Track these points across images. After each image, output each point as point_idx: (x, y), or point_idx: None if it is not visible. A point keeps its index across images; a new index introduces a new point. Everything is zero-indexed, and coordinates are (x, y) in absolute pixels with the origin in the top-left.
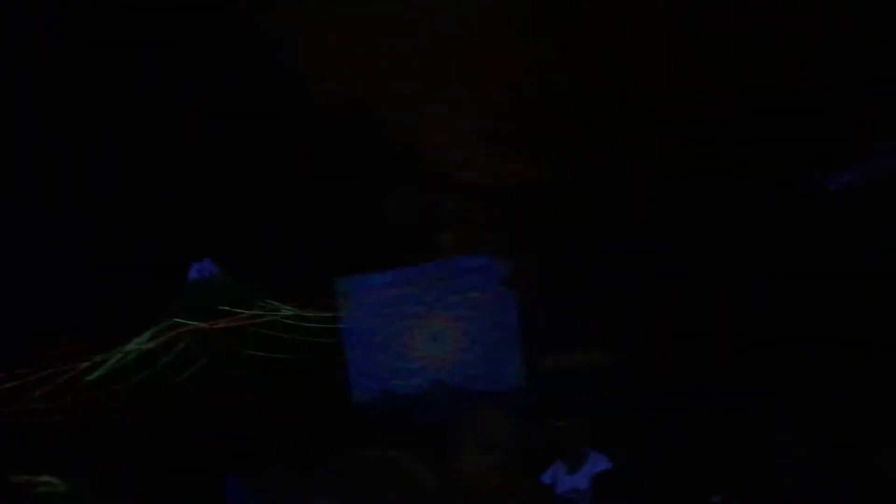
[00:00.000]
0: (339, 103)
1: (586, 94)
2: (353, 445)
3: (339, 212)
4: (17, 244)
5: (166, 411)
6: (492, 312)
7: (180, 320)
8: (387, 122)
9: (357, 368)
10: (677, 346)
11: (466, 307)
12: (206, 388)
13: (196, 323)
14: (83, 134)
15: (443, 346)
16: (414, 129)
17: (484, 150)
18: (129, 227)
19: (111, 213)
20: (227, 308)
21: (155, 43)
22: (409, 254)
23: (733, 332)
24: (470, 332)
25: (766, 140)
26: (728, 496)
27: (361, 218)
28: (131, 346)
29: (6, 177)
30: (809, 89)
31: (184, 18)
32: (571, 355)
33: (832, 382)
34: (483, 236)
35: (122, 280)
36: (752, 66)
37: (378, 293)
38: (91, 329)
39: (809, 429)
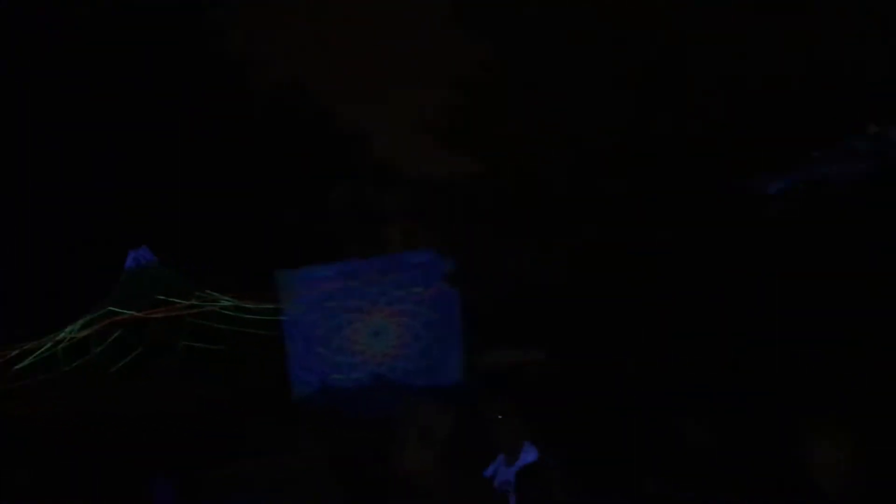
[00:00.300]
0: (285, 96)
1: (530, 91)
2: (291, 440)
3: (281, 203)
4: None
5: (97, 402)
6: (434, 308)
7: (115, 309)
8: (333, 115)
9: (297, 362)
10: (614, 344)
11: (409, 302)
12: (140, 378)
13: (131, 312)
14: (13, 125)
15: (384, 341)
16: (360, 123)
17: (430, 146)
18: (65, 213)
19: (46, 199)
20: (164, 297)
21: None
22: (352, 247)
23: (666, 331)
24: (412, 327)
25: (707, 145)
26: (661, 485)
27: (305, 210)
28: (63, 334)
29: None
30: (752, 96)
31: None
32: (511, 351)
33: (763, 377)
34: (427, 231)
35: (56, 266)
36: (700, 70)
37: (320, 286)
38: (21, 316)
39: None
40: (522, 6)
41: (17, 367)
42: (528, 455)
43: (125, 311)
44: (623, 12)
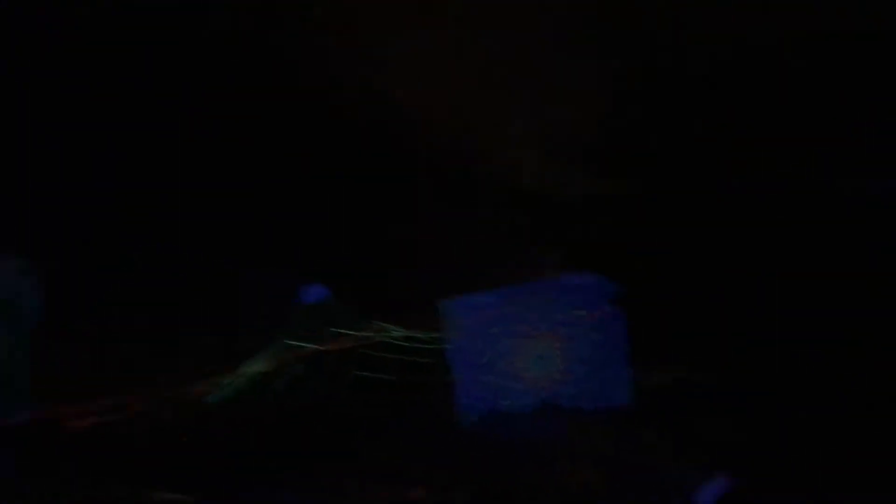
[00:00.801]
0: (428, 122)
1: (673, 101)
2: (458, 467)
3: (442, 232)
4: (123, 261)
5: (278, 435)
6: (599, 330)
7: (292, 343)
8: (481, 143)
9: (463, 389)
10: (788, 360)
11: (573, 325)
12: (319, 411)
13: (308, 345)
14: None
15: (550, 366)
16: (507, 146)
17: (580, 165)
18: (241, 248)
19: (222, 235)
20: (337, 330)
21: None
22: (511, 272)
23: (845, 346)
24: (577, 350)
25: (815, 141)
26: None
27: (463, 237)
28: (246, 368)
29: (126, 193)
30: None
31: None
32: (680, 372)
33: None
34: (583, 253)
35: (236, 301)
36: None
37: (483, 313)
38: (208, 351)
39: None
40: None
41: (207, 400)
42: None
43: (302, 345)
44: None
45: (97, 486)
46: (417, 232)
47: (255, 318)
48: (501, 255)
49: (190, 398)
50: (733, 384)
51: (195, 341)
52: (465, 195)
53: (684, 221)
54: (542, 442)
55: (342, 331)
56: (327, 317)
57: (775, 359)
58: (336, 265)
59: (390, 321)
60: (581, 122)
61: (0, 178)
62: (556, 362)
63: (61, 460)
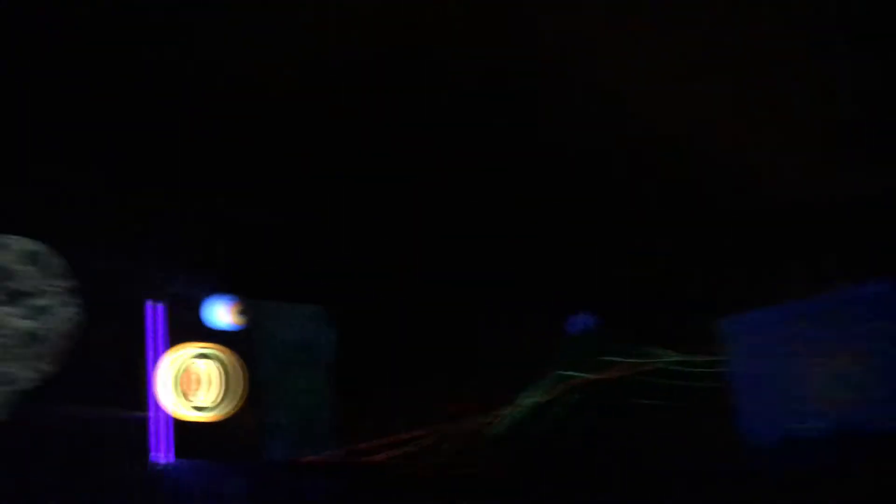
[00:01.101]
0: (696, 145)
1: None
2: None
3: (717, 245)
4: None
5: (560, 463)
6: None
7: (566, 373)
8: (749, 152)
9: (751, 413)
10: None
11: (871, 340)
12: (596, 438)
13: (581, 375)
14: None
15: (846, 385)
16: (777, 154)
17: (860, 162)
18: (513, 282)
19: (495, 269)
20: (609, 358)
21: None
22: (798, 285)
23: None
24: (879, 368)
25: None
26: None
27: (741, 250)
28: (525, 399)
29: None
30: None
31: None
32: None
33: None
34: (876, 258)
35: (512, 335)
36: None
37: (766, 331)
38: (488, 384)
39: None
40: None
41: (492, 431)
42: None
43: (577, 375)
44: None
45: None
46: (688, 248)
47: (531, 350)
48: (785, 267)
49: (475, 430)
50: None
51: (476, 376)
52: (740, 207)
53: None
54: (841, 472)
55: (614, 358)
56: (598, 345)
57: None
58: (604, 291)
59: (663, 346)
60: (853, 120)
61: (298, 237)
62: (854, 382)
63: (365, 492)
